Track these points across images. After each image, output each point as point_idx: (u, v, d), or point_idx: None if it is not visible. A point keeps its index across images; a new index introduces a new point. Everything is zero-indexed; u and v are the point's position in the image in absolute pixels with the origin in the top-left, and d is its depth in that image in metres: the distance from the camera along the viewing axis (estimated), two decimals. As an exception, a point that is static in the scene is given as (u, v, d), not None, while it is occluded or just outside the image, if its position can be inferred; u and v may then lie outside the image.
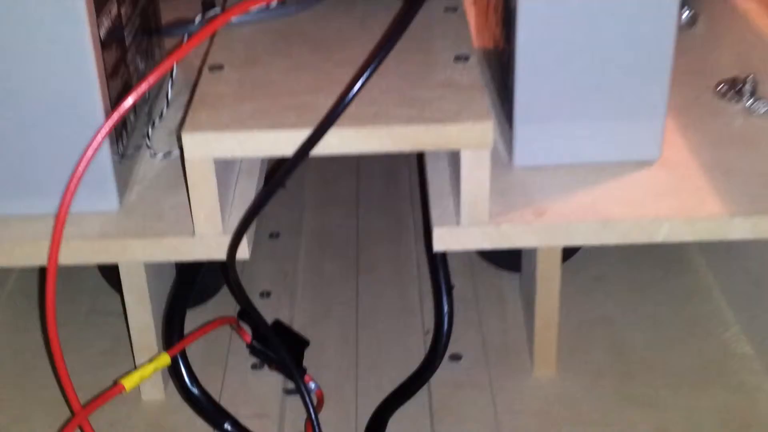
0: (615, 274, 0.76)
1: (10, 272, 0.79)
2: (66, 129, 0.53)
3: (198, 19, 0.67)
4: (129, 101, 0.52)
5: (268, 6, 0.65)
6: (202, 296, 0.72)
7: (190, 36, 0.63)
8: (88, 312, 0.74)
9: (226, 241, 0.53)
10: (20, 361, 0.69)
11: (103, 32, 0.53)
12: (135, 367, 0.62)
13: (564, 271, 0.64)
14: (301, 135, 0.50)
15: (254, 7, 0.63)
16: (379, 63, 0.49)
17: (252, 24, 0.64)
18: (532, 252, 0.64)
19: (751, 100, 0.63)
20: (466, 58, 0.58)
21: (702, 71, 0.69)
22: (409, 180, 0.89)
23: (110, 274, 0.71)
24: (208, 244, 0.54)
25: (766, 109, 0.63)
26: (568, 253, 0.73)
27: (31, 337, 0.71)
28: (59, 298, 0.74)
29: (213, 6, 0.82)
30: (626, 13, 0.54)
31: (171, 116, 0.65)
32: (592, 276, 0.75)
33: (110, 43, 0.54)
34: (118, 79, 0.56)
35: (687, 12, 0.76)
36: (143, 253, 0.54)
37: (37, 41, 0.50)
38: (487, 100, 0.54)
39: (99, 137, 0.52)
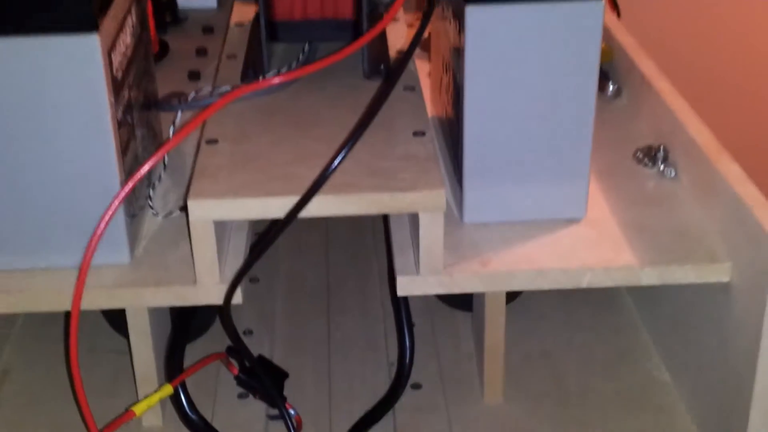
0: (553, 313, 0.86)
1: (17, 314, 0.87)
2: (87, 195, 0.63)
3: (192, 95, 0.77)
4: (142, 171, 0.62)
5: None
6: (194, 335, 0.81)
7: (183, 111, 0.74)
8: (88, 350, 0.83)
9: (223, 288, 0.63)
10: (29, 394, 0.78)
11: (119, 114, 0.63)
12: (137, 398, 0.71)
13: (509, 311, 0.74)
14: (287, 201, 0.61)
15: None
16: (354, 144, 0.60)
17: (240, 101, 0.75)
18: (480, 295, 0.75)
19: (662, 166, 0.75)
20: (422, 133, 0.69)
21: (623, 139, 0.80)
22: (372, 230, 1.00)
23: (112, 316, 0.80)
24: (208, 291, 0.64)
25: (674, 174, 0.74)
26: (512, 295, 0.84)
27: (40, 371, 0.80)
28: (61, 340, 0.83)
29: (198, 77, 0.93)
30: (555, 92, 0.66)
31: (166, 179, 0.75)
32: (534, 315, 0.85)
33: (123, 122, 0.65)
34: (129, 151, 0.66)
35: (613, 86, 0.88)
36: (152, 300, 0.64)
37: (66, 122, 0.60)
38: (441, 170, 0.65)
39: (116, 202, 0.62)
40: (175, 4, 1.06)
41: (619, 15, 1.06)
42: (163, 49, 0.98)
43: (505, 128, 0.67)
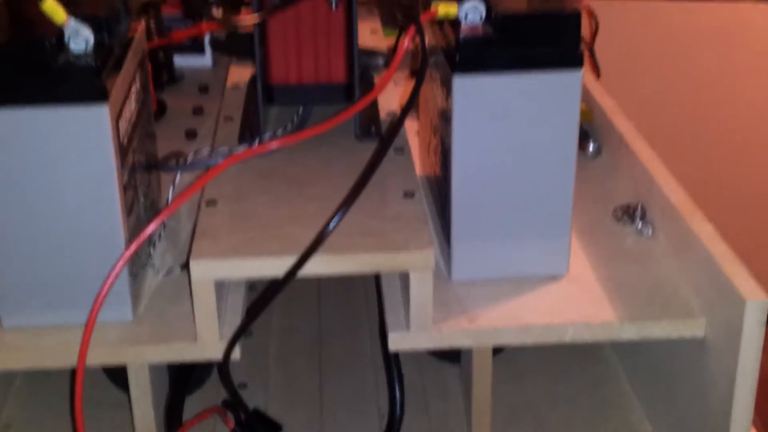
0: (539, 366, 0.89)
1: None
2: (93, 255, 0.65)
3: (191, 156, 0.80)
4: (146, 233, 0.65)
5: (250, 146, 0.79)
6: (191, 388, 0.84)
7: (183, 173, 0.77)
8: (87, 403, 0.85)
9: (222, 345, 0.66)
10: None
11: (124, 178, 0.66)
12: (137, 450, 0.74)
13: (496, 363, 0.76)
14: (285, 261, 0.64)
15: (241, 149, 0.77)
16: (349, 207, 0.63)
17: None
18: (468, 350, 0.78)
19: (640, 224, 0.79)
20: (412, 194, 0.73)
21: (603, 197, 0.84)
22: (362, 283, 1.02)
23: (112, 371, 0.82)
24: (208, 348, 0.66)
25: (651, 232, 0.78)
26: (499, 349, 0.87)
27: (41, 425, 0.82)
28: (61, 394, 0.85)
29: (195, 135, 0.96)
30: (538, 155, 0.69)
31: (165, 238, 0.78)
32: (520, 367, 0.88)
33: (128, 185, 0.68)
34: (133, 212, 0.69)
35: (593, 145, 0.92)
36: (154, 356, 0.67)
37: (75, 187, 0.63)
38: (430, 230, 0.69)
39: (121, 263, 0.65)
40: (172, 63, 1.10)
41: (599, 75, 1.11)
42: (161, 108, 1.02)
43: (491, 190, 0.70)
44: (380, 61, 1.01)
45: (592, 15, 1.13)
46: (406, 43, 0.67)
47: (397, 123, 0.69)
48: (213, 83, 1.09)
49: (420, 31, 0.66)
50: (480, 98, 0.67)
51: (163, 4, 1.07)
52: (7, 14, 0.65)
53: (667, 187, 0.76)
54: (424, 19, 0.68)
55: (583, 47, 0.68)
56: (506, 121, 0.68)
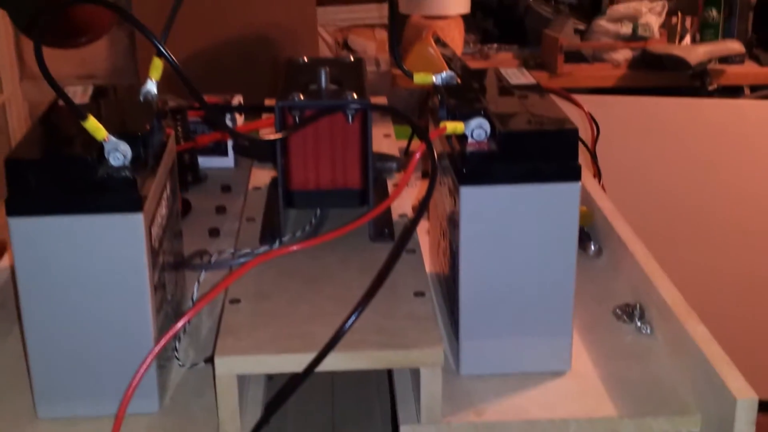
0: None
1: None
2: (124, 351, 0.70)
3: (215, 256, 0.86)
4: (175, 329, 0.70)
5: (270, 248, 0.85)
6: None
7: (208, 270, 0.82)
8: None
9: (244, 436, 0.70)
10: None
11: (155, 279, 0.71)
12: None
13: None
14: (304, 358, 0.68)
15: (262, 250, 0.83)
16: (364, 308, 0.68)
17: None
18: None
19: (639, 323, 0.83)
20: (422, 294, 0.78)
21: (604, 296, 0.89)
22: (375, 373, 1.07)
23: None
24: (230, 439, 0.71)
25: (650, 330, 0.82)
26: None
27: None
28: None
29: (218, 234, 1.02)
30: (540, 258, 0.74)
31: (188, 332, 0.83)
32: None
33: (158, 285, 0.73)
34: (162, 310, 0.74)
35: (594, 246, 0.97)
36: (179, 447, 0.71)
37: (109, 288, 0.68)
38: (440, 329, 0.73)
39: (150, 358, 0.69)
40: (196, 164, 1.16)
41: (600, 179, 1.16)
42: (186, 207, 1.08)
43: (497, 291, 0.75)
44: (393, 165, 1.07)
45: (592, 120, 1.19)
46: (417, 157, 0.73)
47: (409, 229, 0.74)
48: (235, 183, 1.15)
49: (430, 149, 0.72)
50: (485, 207, 0.72)
51: (188, 110, 1.14)
52: (49, 130, 0.72)
53: (663, 289, 0.81)
54: (433, 136, 0.74)
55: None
56: (510, 228, 0.73)
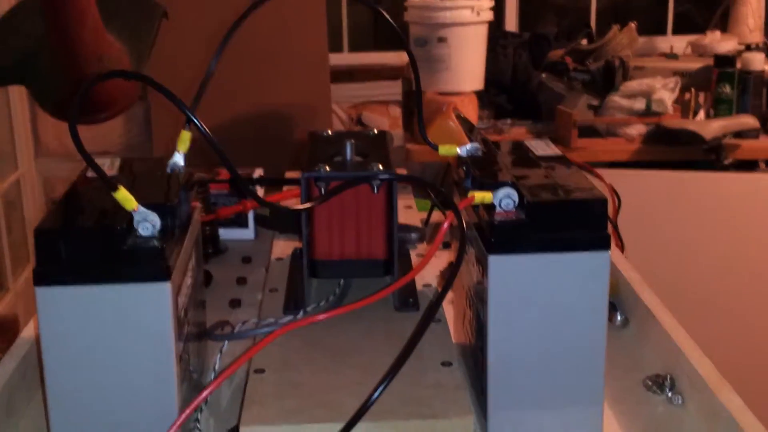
0: None
1: None
2: (149, 420, 0.69)
3: (239, 326, 0.85)
4: (200, 399, 0.69)
5: (295, 317, 0.84)
6: None
7: (231, 340, 0.81)
8: None
9: None
10: None
11: (180, 349, 0.71)
12: None
13: None
14: (330, 428, 0.67)
15: (286, 320, 0.82)
16: (392, 378, 0.67)
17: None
18: None
19: (670, 394, 0.82)
20: (450, 364, 0.77)
21: (633, 367, 0.87)
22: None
23: None
24: None
25: (681, 401, 0.81)
26: None
27: None
28: None
29: (239, 304, 1.01)
30: (569, 329, 0.73)
31: (208, 402, 0.82)
32: None
33: (182, 356, 0.72)
34: (185, 380, 0.73)
35: (620, 317, 0.96)
36: None
37: (136, 357, 0.68)
38: (468, 399, 0.72)
39: (173, 429, 0.68)
40: (217, 236, 1.16)
41: (623, 250, 1.16)
42: (207, 278, 1.07)
43: (526, 361, 0.74)
44: (415, 235, 1.07)
45: (614, 192, 1.19)
46: (445, 227, 0.73)
47: (437, 298, 0.74)
48: (255, 255, 1.15)
49: (458, 217, 0.72)
50: (514, 276, 0.72)
51: (210, 183, 1.14)
52: (77, 201, 0.72)
53: (694, 359, 0.80)
54: (462, 206, 0.74)
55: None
56: (539, 297, 0.72)
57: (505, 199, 0.73)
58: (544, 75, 2.61)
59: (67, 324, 0.66)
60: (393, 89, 3.12)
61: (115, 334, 0.67)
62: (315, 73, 2.81)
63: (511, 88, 2.69)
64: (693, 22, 3.09)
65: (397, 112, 3.14)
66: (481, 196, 0.73)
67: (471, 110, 2.50)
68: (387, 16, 0.87)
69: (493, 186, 0.74)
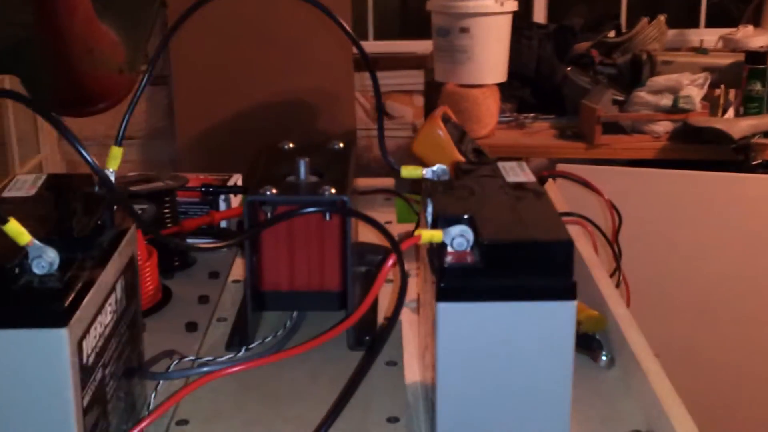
0: None
1: None
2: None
3: (173, 364, 0.77)
4: (104, 460, 0.61)
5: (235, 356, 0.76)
6: None
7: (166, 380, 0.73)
8: None
9: None
10: None
11: (86, 401, 0.63)
12: None
13: None
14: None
15: (224, 358, 0.74)
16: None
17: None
18: None
19: (648, 457, 0.73)
20: (396, 420, 0.68)
21: (612, 418, 0.78)
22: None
23: None
24: None
25: (660, 466, 0.72)
26: None
27: None
28: None
29: (196, 328, 0.93)
30: (529, 385, 0.65)
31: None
32: None
33: (90, 407, 0.64)
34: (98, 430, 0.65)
35: (606, 356, 0.87)
36: None
37: (29, 407, 0.60)
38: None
39: (75, 490, 0.61)
40: (185, 249, 1.08)
41: (620, 271, 1.07)
42: (167, 296, 1.00)
43: (480, 417, 0.65)
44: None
45: (614, 210, 1.10)
46: (388, 266, 0.64)
47: (386, 330, 0.65)
48: (225, 269, 1.07)
49: (400, 261, 0.64)
50: (465, 325, 0.63)
51: (178, 191, 1.07)
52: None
53: (675, 418, 0.71)
54: (404, 247, 0.65)
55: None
56: (494, 349, 0.64)
57: (458, 238, 0.64)
58: (568, 68, 2.50)
59: (-49, 372, 0.59)
60: (418, 78, 3.04)
61: (5, 385, 0.59)
62: (338, 61, 2.74)
63: (534, 81, 2.59)
64: (728, 15, 2.95)
65: (420, 101, 3.05)
66: (429, 235, 0.64)
67: (492, 103, 2.40)
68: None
69: (448, 221, 0.65)
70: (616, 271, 1.07)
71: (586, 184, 1.09)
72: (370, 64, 0.81)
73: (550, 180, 1.23)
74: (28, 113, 2.72)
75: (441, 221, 0.66)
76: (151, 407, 0.75)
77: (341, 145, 0.87)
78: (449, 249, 0.64)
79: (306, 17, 2.59)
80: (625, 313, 0.89)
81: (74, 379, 0.60)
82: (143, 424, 0.62)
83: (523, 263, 0.62)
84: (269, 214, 0.75)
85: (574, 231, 1.08)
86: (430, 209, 0.72)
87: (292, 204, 0.74)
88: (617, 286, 1.04)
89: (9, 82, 2.39)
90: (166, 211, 1.05)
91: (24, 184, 0.72)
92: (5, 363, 0.59)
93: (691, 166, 2.22)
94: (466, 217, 0.66)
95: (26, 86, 1.61)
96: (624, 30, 2.64)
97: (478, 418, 0.65)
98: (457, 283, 0.63)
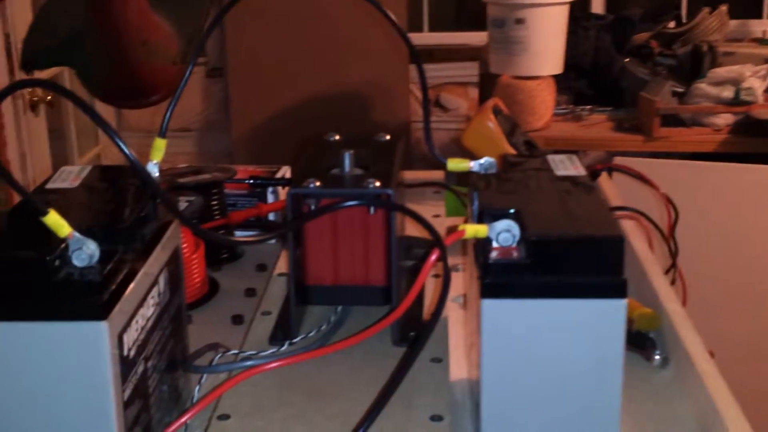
0: None
1: None
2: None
3: (217, 358, 0.77)
4: (143, 454, 0.61)
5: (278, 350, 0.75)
6: None
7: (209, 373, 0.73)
8: None
9: None
10: None
11: (126, 394, 0.62)
12: None
13: None
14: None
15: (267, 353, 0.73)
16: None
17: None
18: None
19: (702, 461, 0.70)
20: (440, 418, 0.67)
21: (664, 419, 0.76)
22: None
23: None
24: None
25: (714, 471, 0.69)
26: None
27: None
28: None
29: (242, 321, 0.93)
30: (577, 386, 0.63)
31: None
32: None
33: (131, 401, 0.64)
34: (138, 425, 0.65)
35: (659, 355, 0.84)
36: None
37: (69, 401, 0.59)
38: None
39: (115, 484, 0.61)
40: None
41: (675, 268, 1.03)
42: (214, 289, 1.00)
43: (525, 417, 0.64)
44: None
45: (670, 204, 1.06)
46: (431, 263, 0.62)
47: (429, 325, 0.64)
48: (272, 261, 1.06)
49: (444, 256, 0.62)
50: (509, 323, 0.61)
51: (227, 183, 1.06)
52: (18, 223, 0.64)
53: (731, 422, 0.68)
54: (448, 242, 0.63)
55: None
56: (539, 348, 0.62)
57: (504, 233, 0.62)
58: (627, 59, 2.45)
59: (-5, 364, 0.59)
60: (472, 70, 3.01)
61: (44, 378, 0.59)
62: (394, 53, 2.72)
63: (591, 72, 2.54)
64: (794, 4, 2.86)
65: (475, 93, 3.02)
66: (474, 230, 0.63)
67: (548, 95, 2.37)
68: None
69: (494, 216, 0.63)
70: (672, 268, 1.04)
71: (641, 178, 1.06)
72: (417, 55, 0.79)
73: (605, 174, 1.20)
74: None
75: (486, 216, 0.64)
76: (195, 400, 0.75)
77: (388, 137, 0.86)
78: (494, 244, 0.62)
79: (361, 8, 2.59)
80: (679, 310, 0.86)
81: (114, 372, 0.60)
82: (183, 419, 0.62)
83: (571, 260, 0.60)
84: (312, 207, 0.74)
85: (629, 226, 1.05)
86: (476, 203, 0.70)
87: (336, 197, 0.73)
88: (673, 283, 1.01)
89: (68, 74, 2.43)
90: (214, 203, 1.05)
91: (69, 176, 0.72)
92: (45, 356, 0.59)
93: (752, 160, 2.16)
94: (512, 211, 0.64)
95: (81, 78, 1.63)
96: (684, 20, 2.57)
97: (524, 418, 0.64)
98: (502, 279, 0.61)
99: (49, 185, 0.71)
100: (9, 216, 0.65)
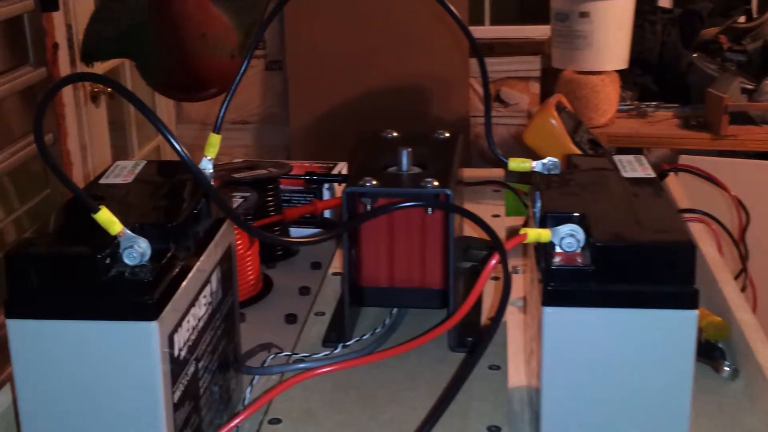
0: None
1: None
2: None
3: (269, 359, 0.75)
4: (192, 458, 0.60)
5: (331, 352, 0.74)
6: None
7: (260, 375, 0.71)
8: None
9: None
10: None
11: (177, 396, 0.61)
12: None
13: None
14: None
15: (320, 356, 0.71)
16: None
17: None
18: None
19: (774, 480, 0.66)
20: (498, 429, 0.64)
21: (735, 435, 0.72)
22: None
23: None
24: None
25: (787, 492, 0.65)
26: None
27: None
28: None
29: (295, 320, 0.91)
30: (642, 398, 0.59)
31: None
32: None
33: (181, 402, 0.62)
34: (188, 427, 0.64)
35: (729, 367, 0.81)
36: None
37: (118, 401, 0.58)
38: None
39: (163, 487, 0.59)
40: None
41: (746, 273, 0.99)
42: (267, 286, 0.98)
43: (588, 431, 0.61)
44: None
45: (741, 207, 1.02)
46: (491, 267, 0.60)
47: (489, 332, 0.61)
48: (327, 259, 1.05)
49: (504, 261, 0.59)
50: (572, 332, 0.59)
51: (281, 179, 1.05)
52: (68, 220, 0.63)
53: (806, 441, 0.64)
54: (510, 246, 0.61)
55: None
56: (605, 360, 0.59)
57: (568, 238, 0.59)
58: (695, 55, 2.38)
59: (41, 361, 0.58)
60: (534, 65, 2.97)
61: (92, 377, 0.58)
62: (454, 46, 2.70)
63: (657, 68, 2.48)
64: None
65: (536, 88, 2.98)
66: (536, 234, 0.60)
67: (612, 91, 2.31)
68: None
69: (557, 219, 0.61)
70: (742, 273, 1.00)
71: (711, 180, 1.02)
72: (478, 49, 0.77)
73: (672, 173, 1.16)
74: (146, 97, 2.77)
75: (550, 219, 0.61)
76: (246, 402, 0.74)
77: (447, 134, 0.83)
78: (557, 249, 0.60)
79: (421, 1, 2.56)
80: (751, 319, 0.82)
81: (164, 373, 0.58)
82: (234, 422, 0.60)
83: (639, 267, 0.57)
84: (368, 207, 0.71)
85: (697, 229, 1.01)
86: (538, 205, 0.67)
87: (393, 196, 0.70)
88: (743, 289, 0.97)
89: (128, 66, 2.45)
90: (269, 199, 1.03)
91: (122, 171, 0.71)
92: (94, 355, 0.58)
93: (825, 160, 2.09)
94: (576, 215, 0.61)
95: (141, 70, 1.63)
96: (755, 15, 2.50)
97: (586, 431, 0.61)
98: (565, 286, 0.58)
99: (103, 180, 0.70)
100: (61, 212, 0.64)
